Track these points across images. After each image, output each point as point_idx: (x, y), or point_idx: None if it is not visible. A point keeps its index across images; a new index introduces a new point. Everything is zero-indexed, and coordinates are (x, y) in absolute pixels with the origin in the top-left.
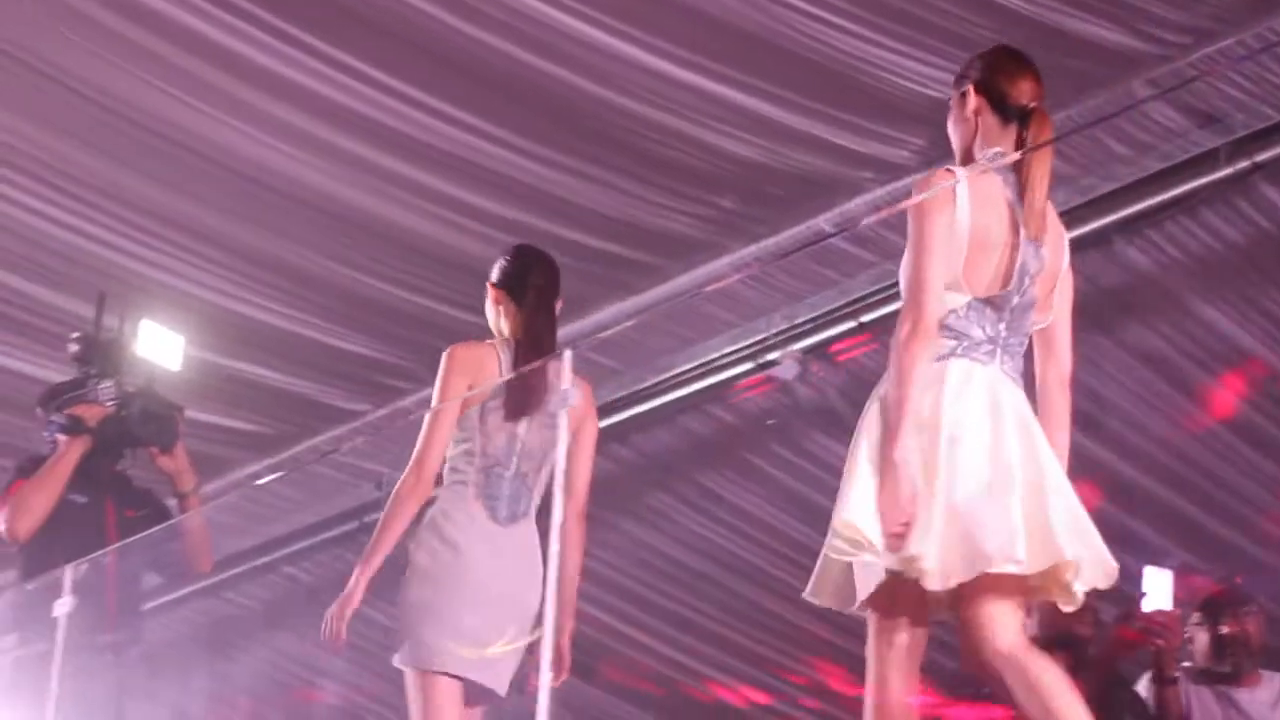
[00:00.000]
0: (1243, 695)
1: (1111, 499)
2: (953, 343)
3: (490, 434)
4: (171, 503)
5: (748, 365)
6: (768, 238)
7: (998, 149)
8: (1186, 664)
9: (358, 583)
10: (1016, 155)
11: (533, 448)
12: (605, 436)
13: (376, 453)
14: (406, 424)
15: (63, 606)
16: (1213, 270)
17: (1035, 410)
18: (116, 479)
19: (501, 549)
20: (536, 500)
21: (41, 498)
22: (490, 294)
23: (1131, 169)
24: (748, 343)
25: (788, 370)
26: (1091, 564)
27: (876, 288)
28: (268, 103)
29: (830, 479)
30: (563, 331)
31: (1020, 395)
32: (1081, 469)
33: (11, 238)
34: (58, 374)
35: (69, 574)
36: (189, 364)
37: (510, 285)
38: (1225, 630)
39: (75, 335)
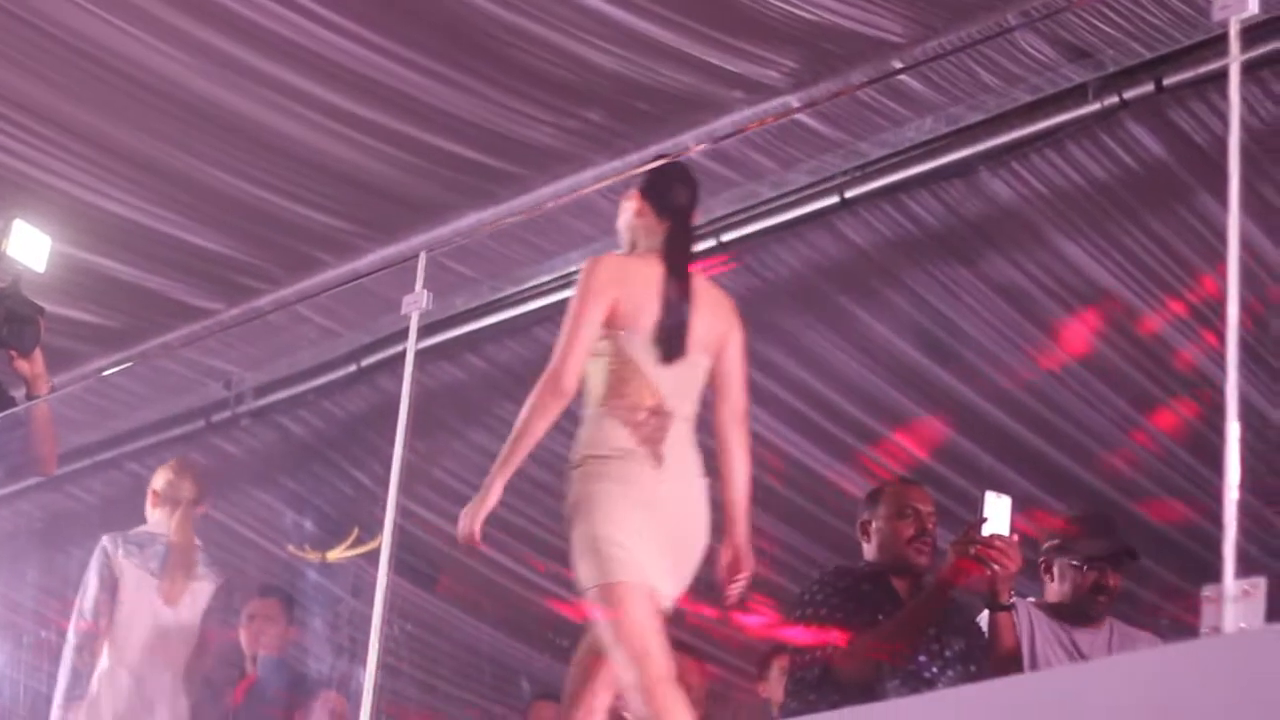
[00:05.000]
0: (1083, 637)
1: (960, 428)
2: None
3: None
4: (20, 395)
5: None
6: (633, 152)
7: None
8: (1031, 599)
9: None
10: None
11: None
12: (458, 345)
13: (226, 351)
14: (259, 324)
15: None
16: (1076, 206)
17: None
18: None
19: None
20: None
21: None
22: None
23: (1000, 100)
24: None
25: None
26: None
27: (738, 207)
28: None
29: None
30: (420, 237)
31: None
32: (932, 398)
33: None
34: None
35: None
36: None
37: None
38: (1108, 582)
39: None
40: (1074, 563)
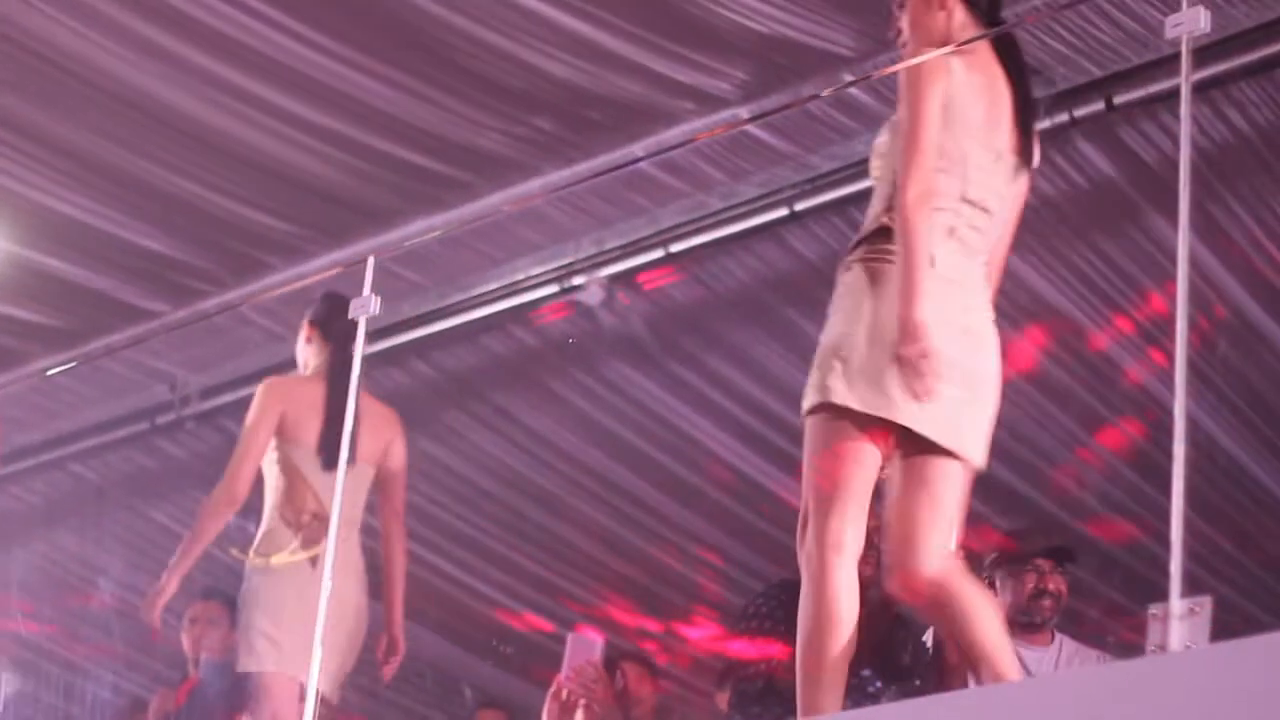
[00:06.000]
0: (1031, 655)
1: None
2: None
3: None
4: None
5: (553, 288)
6: (582, 161)
7: None
8: None
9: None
10: None
11: None
12: (406, 352)
13: (171, 353)
14: (204, 326)
15: None
16: (1024, 223)
17: None
18: None
19: None
20: None
21: None
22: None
23: None
24: (554, 266)
25: (592, 296)
26: None
27: (687, 218)
28: None
29: (627, 408)
30: (368, 242)
31: None
32: None
33: None
34: None
35: None
36: None
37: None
38: (1049, 585)
39: None
40: (1013, 568)
